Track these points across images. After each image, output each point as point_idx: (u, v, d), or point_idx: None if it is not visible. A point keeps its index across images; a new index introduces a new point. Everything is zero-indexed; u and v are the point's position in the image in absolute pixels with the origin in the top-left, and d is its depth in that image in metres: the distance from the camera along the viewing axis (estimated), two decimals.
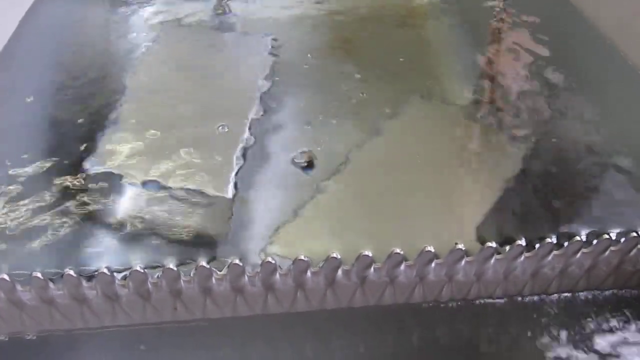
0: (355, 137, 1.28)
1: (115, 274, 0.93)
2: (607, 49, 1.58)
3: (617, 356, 0.94)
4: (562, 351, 0.95)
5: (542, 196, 1.14)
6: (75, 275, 0.90)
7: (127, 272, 0.92)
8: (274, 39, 1.63)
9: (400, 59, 1.55)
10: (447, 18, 1.73)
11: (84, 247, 1.03)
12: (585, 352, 0.95)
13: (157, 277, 0.92)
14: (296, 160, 1.22)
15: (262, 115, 1.35)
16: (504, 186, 1.16)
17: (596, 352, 0.95)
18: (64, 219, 1.09)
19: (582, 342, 0.96)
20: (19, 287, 0.91)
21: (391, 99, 1.40)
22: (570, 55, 1.56)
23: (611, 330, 0.98)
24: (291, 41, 1.63)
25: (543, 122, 1.33)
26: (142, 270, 0.90)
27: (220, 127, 1.31)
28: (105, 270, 0.90)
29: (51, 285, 0.91)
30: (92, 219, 1.09)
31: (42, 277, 0.90)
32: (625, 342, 0.96)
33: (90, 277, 0.92)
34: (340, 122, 1.33)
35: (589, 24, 1.68)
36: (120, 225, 1.08)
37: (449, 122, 1.34)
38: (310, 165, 1.21)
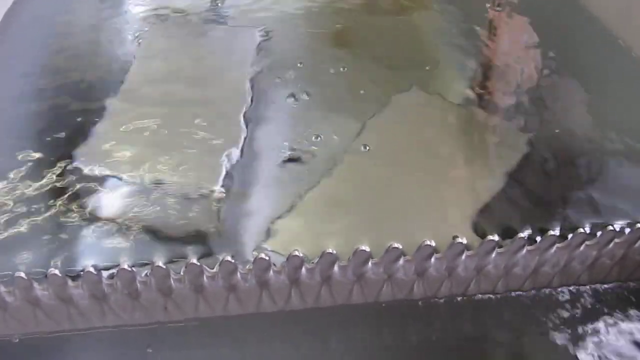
0: (351, 130, 1.26)
1: (102, 272, 0.89)
2: (608, 39, 1.56)
3: (622, 349, 0.92)
4: (566, 346, 0.93)
5: (544, 188, 1.12)
6: (60, 274, 0.87)
7: (114, 271, 0.89)
8: (266, 31, 1.60)
9: (396, 50, 1.52)
10: (443, 7, 1.71)
11: (70, 245, 1.00)
12: (589, 346, 0.93)
13: (146, 275, 0.89)
14: (290, 154, 1.20)
15: (255, 109, 1.32)
16: (505, 178, 1.14)
17: (600, 346, 0.93)
18: (52, 216, 1.05)
19: (586, 335, 0.94)
20: (2, 288, 0.88)
21: (387, 91, 1.38)
22: (571, 46, 1.55)
23: (615, 323, 0.96)
24: (284, 33, 1.60)
25: (543, 112, 1.31)
26: (130, 269, 0.87)
27: (213, 122, 1.28)
28: (92, 269, 0.87)
29: (35, 285, 0.88)
30: (81, 216, 1.06)
31: (25, 277, 0.87)
32: (630, 335, 0.94)
33: (76, 277, 0.89)
34: (336, 115, 1.31)
35: (589, 13, 1.66)
36: (109, 223, 1.05)
37: (447, 114, 1.32)
38: (300, 158, 1.19)
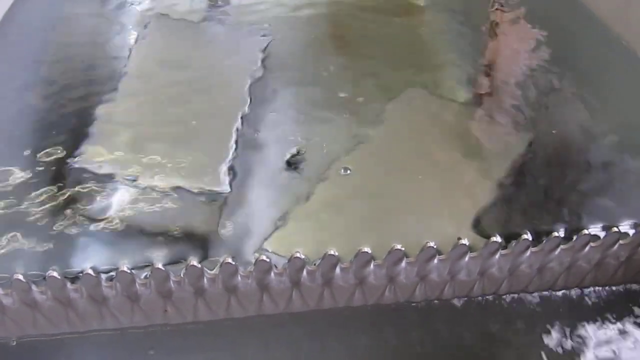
0: (352, 132, 1.25)
1: (101, 275, 0.88)
2: (608, 36, 1.55)
3: (626, 352, 0.91)
4: (569, 348, 0.92)
5: (546, 189, 1.11)
6: (59, 276, 0.86)
7: (113, 273, 0.88)
8: (267, 32, 1.58)
9: (397, 51, 1.51)
10: (443, 8, 1.70)
11: (69, 248, 0.99)
12: (593, 348, 0.92)
13: (146, 277, 0.88)
14: (291, 156, 1.18)
15: (255, 110, 1.31)
16: (507, 180, 1.13)
17: (605, 348, 0.92)
18: (48, 218, 1.04)
19: (591, 338, 0.93)
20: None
21: (389, 92, 1.37)
22: (571, 44, 1.53)
23: (620, 326, 0.95)
24: (285, 34, 1.59)
25: (545, 113, 1.30)
26: (129, 271, 0.86)
27: (212, 123, 1.27)
28: (91, 271, 0.86)
29: (34, 287, 0.87)
30: (80, 217, 1.05)
31: (24, 280, 0.86)
32: (635, 338, 0.93)
33: (74, 279, 0.88)
34: (337, 117, 1.30)
35: (587, 10, 1.65)
36: (108, 224, 1.04)
37: (448, 115, 1.31)
38: (302, 159, 1.17)
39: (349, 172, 1.11)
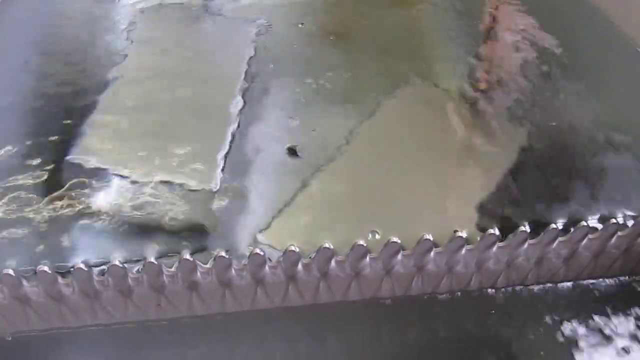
0: (348, 123, 1.24)
1: (93, 269, 0.87)
2: (606, 27, 1.54)
3: (623, 344, 0.91)
4: (568, 341, 0.91)
5: (544, 181, 1.10)
6: (50, 271, 0.85)
7: (105, 267, 0.86)
8: (263, 22, 1.57)
9: (395, 43, 1.50)
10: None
11: (60, 242, 0.97)
12: (590, 341, 0.91)
13: (138, 271, 0.87)
14: (286, 149, 1.17)
15: (250, 101, 1.30)
16: (505, 172, 1.11)
17: (602, 340, 0.92)
18: (42, 211, 1.03)
19: (589, 330, 0.93)
20: None
21: (385, 83, 1.36)
22: (569, 35, 1.52)
23: (619, 318, 0.95)
24: (281, 23, 1.58)
25: (541, 104, 1.29)
26: (121, 265, 0.85)
27: (207, 117, 1.26)
28: (82, 266, 0.85)
29: (25, 282, 0.86)
30: (71, 212, 1.04)
31: (14, 274, 0.84)
32: (633, 330, 0.93)
33: (66, 273, 0.87)
34: (333, 108, 1.28)
35: (585, 1, 1.63)
36: (101, 217, 1.02)
37: (445, 107, 1.30)
38: (297, 152, 1.16)
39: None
